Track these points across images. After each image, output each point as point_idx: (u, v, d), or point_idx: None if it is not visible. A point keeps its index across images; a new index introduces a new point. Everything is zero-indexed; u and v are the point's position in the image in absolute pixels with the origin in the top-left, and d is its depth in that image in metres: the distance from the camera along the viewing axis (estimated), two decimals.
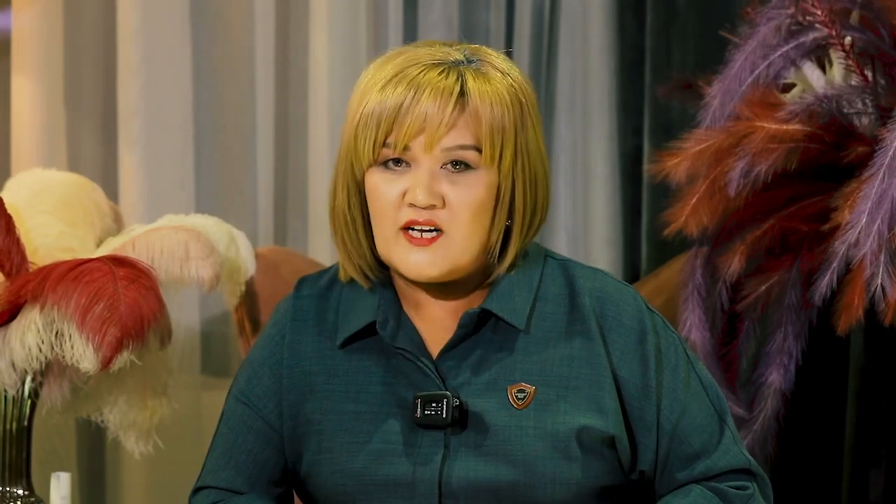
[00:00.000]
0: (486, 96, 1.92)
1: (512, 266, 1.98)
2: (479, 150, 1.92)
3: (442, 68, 1.92)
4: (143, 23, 2.98)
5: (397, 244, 1.92)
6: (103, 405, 2.45)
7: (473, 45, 1.98)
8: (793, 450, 2.76)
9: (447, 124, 1.91)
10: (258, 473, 2.03)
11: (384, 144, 1.92)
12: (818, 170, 2.52)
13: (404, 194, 1.92)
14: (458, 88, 1.91)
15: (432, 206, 1.91)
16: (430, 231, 1.92)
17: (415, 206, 1.91)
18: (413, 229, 1.92)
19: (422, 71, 1.91)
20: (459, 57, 1.94)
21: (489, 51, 1.98)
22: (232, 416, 2.05)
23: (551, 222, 3.28)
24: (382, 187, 1.93)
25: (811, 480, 2.97)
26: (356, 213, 1.97)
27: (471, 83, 1.92)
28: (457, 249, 1.92)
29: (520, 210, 1.95)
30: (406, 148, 1.91)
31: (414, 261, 1.92)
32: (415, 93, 1.90)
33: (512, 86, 1.94)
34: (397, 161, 1.93)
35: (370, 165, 1.93)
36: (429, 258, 1.92)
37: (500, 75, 1.94)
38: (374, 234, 1.95)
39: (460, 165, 1.92)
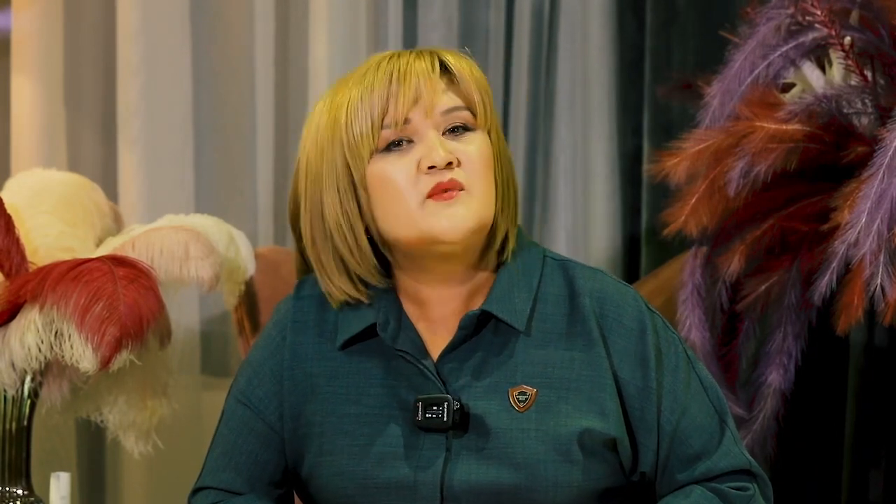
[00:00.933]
0: (465, 66, 1.96)
1: (505, 242, 1.98)
2: (472, 113, 1.94)
3: (413, 52, 1.95)
4: (143, 23, 2.98)
5: (426, 212, 1.92)
6: (103, 405, 2.45)
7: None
8: (793, 450, 2.76)
9: (440, 89, 1.93)
10: (258, 474, 2.03)
11: (382, 126, 1.92)
12: (818, 170, 2.52)
13: (418, 165, 1.92)
14: (437, 61, 1.94)
15: (449, 166, 1.92)
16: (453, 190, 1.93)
17: (435, 167, 1.91)
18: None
19: (393, 57, 1.94)
20: (417, 50, 1.97)
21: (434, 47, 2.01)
22: (232, 417, 2.05)
23: (551, 222, 3.28)
24: (392, 169, 1.93)
25: (811, 480, 2.97)
26: (355, 218, 1.97)
27: (449, 57, 1.96)
28: (480, 202, 1.93)
29: (503, 173, 1.98)
30: (406, 121, 1.92)
31: (447, 222, 1.91)
32: (399, 73, 1.92)
33: (475, 64, 1.98)
34: (398, 143, 1.93)
35: (371, 155, 1.94)
36: (459, 214, 1.92)
37: (461, 54, 1.98)
38: (391, 220, 1.94)
39: (459, 129, 1.94)
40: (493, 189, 1.95)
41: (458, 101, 1.95)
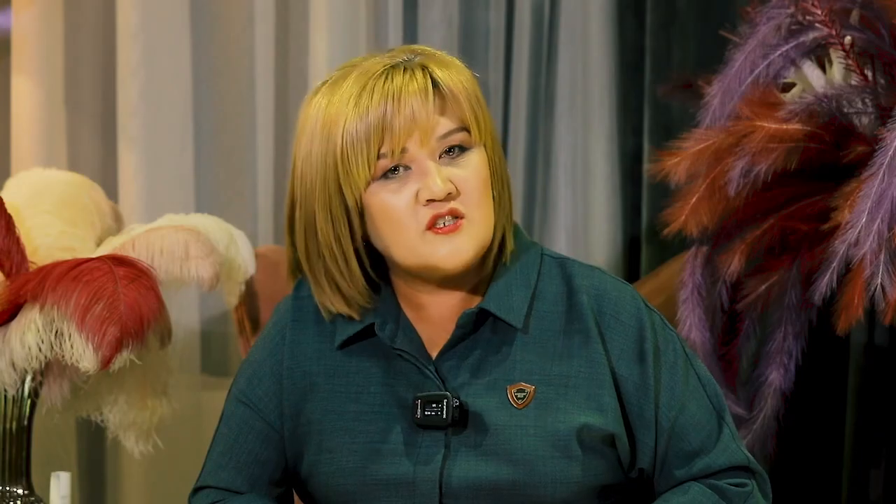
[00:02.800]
0: (455, 79, 1.94)
1: (503, 242, 1.98)
2: (467, 130, 1.94)
3: (403, 68, 1.93)
4: (143, 23, 2.98)
5: (425, 244, 1.92)
6: (103, 405, 2.45)
7: (403, 46, 2.00)
8: (793, 450, 2.77)
9: (435, 113, 1.92)
10: (258, 473, 2.03)
11: (379, 156, 1.92)
12: (818, 170, 2.52)
13: (416, 196, 1.92)
14: (429, 80, 1.92)
15: (449, 196, 1.91)
16: (452, 219, 1.92)
17: (433, 200, 1.91)
18: (437, 224, 1.92)
19: (387, 77, 1.92)
20: (406, 57, 1.95)
21: (419, 46, 2.00)
22: (232, 417, 2.05)
23: (551, 222, 3.28)
24: (391, 199, 1.93)
25: (811, 480, 2.97)
26: (346, 242, 1.96)
27: (438, 72, 1.93)
28: (480, 229, 1.93)
29: (500, 181, 1.98)
30: (403, 150, 1.92)
31: (447, 251, 1.92)
32: (393, 98, 1.91)
33: (463, 65, 1.97)
34: (394, 169, 1.93)
35: (368, 184, 1.93)
36: (459, 244, 1.92)
37: (450, 59, 1.97)
38: (391, 246, 1.94)
39: (455, 150, 1.93)
40: (492, 207, 1.95)
41: (452, 124, 1.93)
